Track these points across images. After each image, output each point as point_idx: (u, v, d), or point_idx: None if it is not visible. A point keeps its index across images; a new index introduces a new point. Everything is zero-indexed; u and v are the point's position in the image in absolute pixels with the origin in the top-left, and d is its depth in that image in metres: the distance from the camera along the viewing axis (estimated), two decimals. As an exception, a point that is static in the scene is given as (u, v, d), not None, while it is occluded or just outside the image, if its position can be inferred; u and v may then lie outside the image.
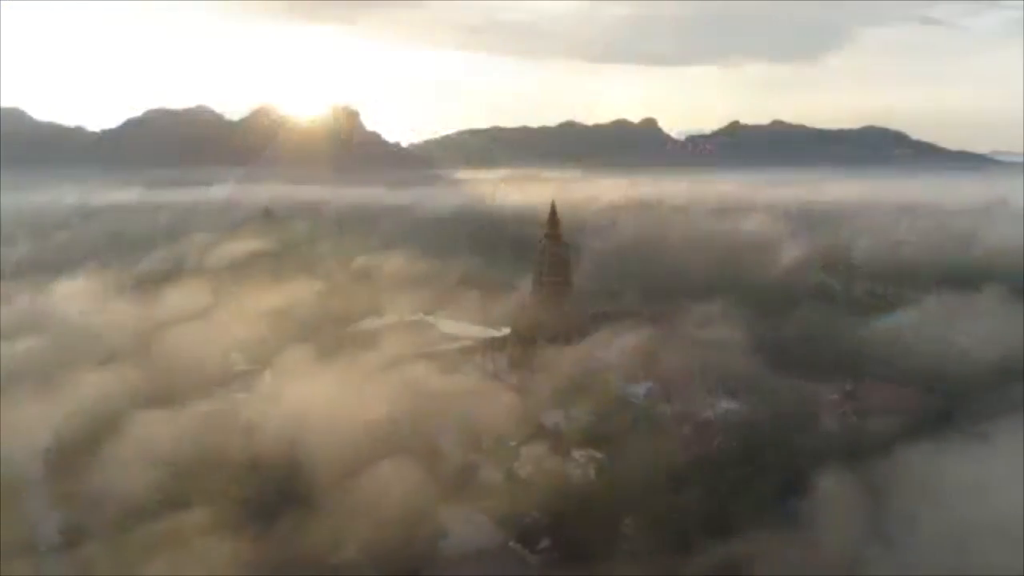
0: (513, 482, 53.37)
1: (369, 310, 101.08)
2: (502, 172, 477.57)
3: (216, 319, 79.25)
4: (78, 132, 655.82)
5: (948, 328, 77.24)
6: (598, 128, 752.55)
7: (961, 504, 39.36)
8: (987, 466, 44.10)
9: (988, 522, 37.60)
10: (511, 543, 45.82)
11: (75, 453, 49.81)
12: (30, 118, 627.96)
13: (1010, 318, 75.56)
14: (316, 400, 56.37)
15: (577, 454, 57.81)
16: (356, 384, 62.34)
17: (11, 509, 44.11)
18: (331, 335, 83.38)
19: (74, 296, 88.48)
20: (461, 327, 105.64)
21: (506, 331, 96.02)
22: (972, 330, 74.28)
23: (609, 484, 50.77)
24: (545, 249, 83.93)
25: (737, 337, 79.91)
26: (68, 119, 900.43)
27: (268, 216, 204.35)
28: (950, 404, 61.06)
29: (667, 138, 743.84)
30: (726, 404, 67.70)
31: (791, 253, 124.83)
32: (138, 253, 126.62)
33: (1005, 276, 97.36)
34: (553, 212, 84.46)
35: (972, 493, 40.67)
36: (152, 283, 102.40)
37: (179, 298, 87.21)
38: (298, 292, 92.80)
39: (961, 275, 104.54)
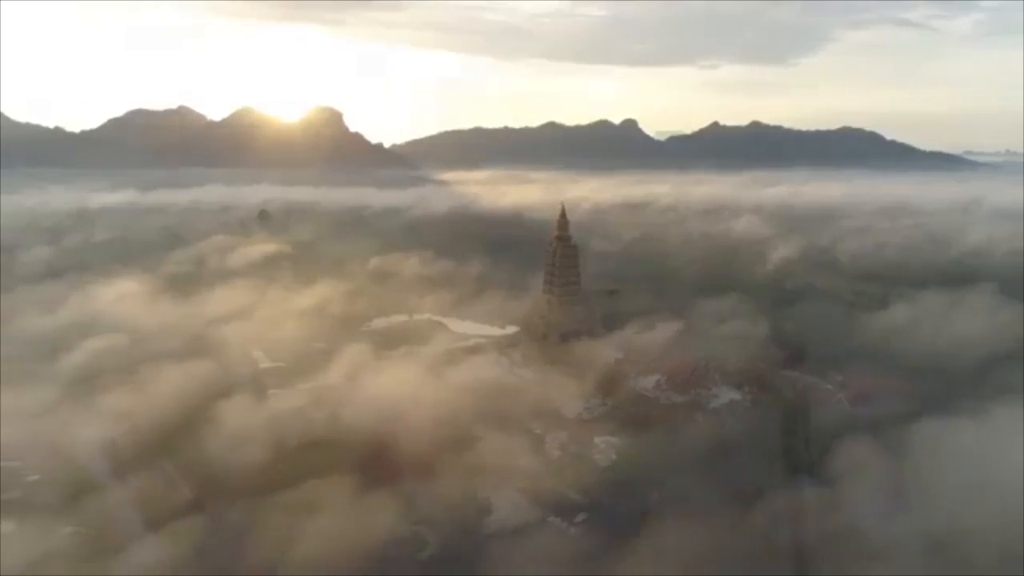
0: (544, 465, 58.51)
1: (379, 311, 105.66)
2: (486, 173, 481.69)
3: (256, 318, 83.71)
4: (58, 133, 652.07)
5: (933, 325, 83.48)
6: (580, 129, 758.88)
7: (944, 473, 45.52)
8: (964, 444, 50.32)
9: (960, 485, 43.88)
10: (550, 518, 50.99)
11: (184, 434, 54.57)
12: (8, 119, 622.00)
13: (992, 315, 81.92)
14: (363, 391, 61.63)
15: (599, 440, 63.10)
16: (394, 379, 67.43)
17: (158, 479, 48.79)
18: (354, 333, 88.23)
19: (122, 298, 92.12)
20: (467, 325, 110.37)
21: (512, 329, 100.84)
22: (957, 326, 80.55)
23: (633, 466, 56.01)
24: (556, 250, 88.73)
25: (736, 334, 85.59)
26: (46, 120, 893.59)
27: (265, 218, 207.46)
28: (933, 392, 66.98)
29: (648, 139, 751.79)
30: (730, 395, 73.33)
31: (781, 253, 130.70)
32: (156, 255, 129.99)
33: (986, 274, 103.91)
34: (563, 215, 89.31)
35: (951, 465, 46.99)
36: (184, 285, 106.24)
37: (216, 299, 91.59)
38: (321, 293, 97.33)
39: (943, 274, 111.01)
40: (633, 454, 58.58)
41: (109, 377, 64.18)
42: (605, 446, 61.74)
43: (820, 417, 66.28)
